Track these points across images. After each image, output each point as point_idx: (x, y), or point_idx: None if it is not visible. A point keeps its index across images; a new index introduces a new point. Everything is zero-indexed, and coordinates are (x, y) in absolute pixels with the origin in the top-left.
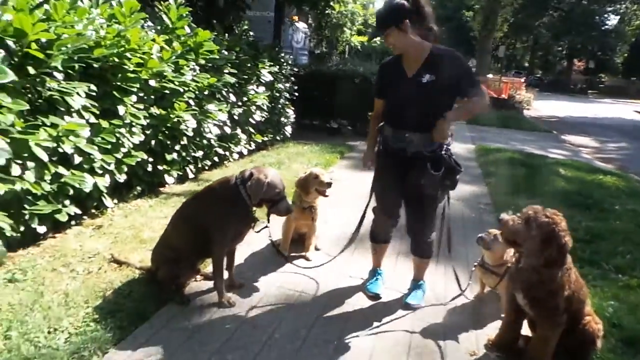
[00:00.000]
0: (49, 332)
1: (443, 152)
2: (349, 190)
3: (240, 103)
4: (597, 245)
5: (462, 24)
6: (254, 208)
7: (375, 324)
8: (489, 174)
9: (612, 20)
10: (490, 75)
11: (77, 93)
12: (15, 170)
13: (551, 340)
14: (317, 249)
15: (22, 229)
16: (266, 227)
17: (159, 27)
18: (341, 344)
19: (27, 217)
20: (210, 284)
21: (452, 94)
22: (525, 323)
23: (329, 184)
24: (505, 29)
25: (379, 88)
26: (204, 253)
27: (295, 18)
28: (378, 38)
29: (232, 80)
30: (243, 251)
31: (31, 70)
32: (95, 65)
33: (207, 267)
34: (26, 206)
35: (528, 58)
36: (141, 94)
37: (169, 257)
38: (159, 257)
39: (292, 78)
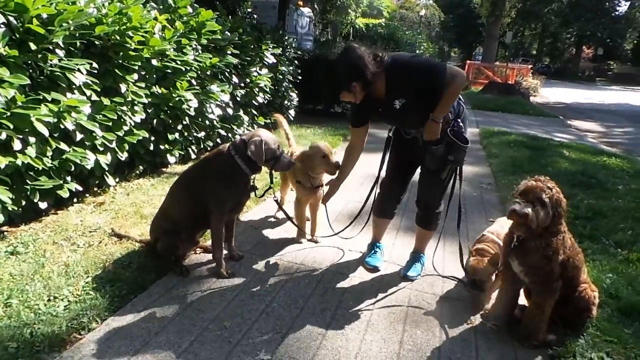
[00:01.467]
0: (48, 300)
1: (448, 129)
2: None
3: (242, 85)
4: (598, 222)
5: (470, 10)
6: (253, 175)
7: (374, 294)
8: (492, 155)
9: (623, 7)
10: (496, 62)
11: (79, 70)
12: (17, 144)
13: (546, 307)
14: (315, 241)
15: (23, 203)
16: (270, 187)
17: (161, 6)
18: (338, 313)
19: (28, 192)
20: (209, 256)
21: (431, 98)
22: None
23: (338, 165)
24: (513, 15)
25: (355, 119)
26: (203, 224)
27: (301, 3)
28: (382, 20)
29: (235, 61)
30: (243, 224)
31: (32, 46)
32: (96, 43)
33: (207, 240)
34: (28, 181)
35: (536, 45)
36: (143, 73)
37: (168, 229)
38: (157, 229)
39: (296, 61)
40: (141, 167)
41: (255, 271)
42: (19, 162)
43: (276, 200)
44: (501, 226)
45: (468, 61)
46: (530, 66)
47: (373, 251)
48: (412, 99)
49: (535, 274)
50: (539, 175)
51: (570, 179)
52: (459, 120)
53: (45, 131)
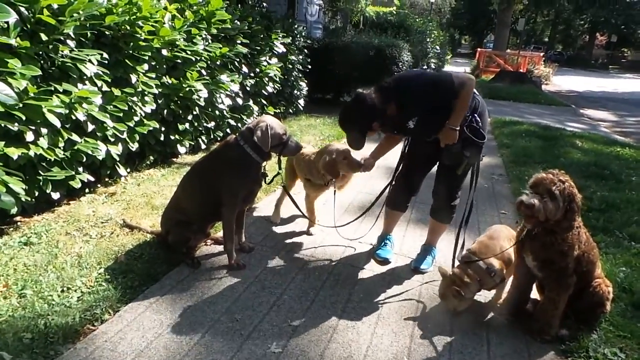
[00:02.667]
0: (62, 291)
1: (465, 124)
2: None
3: (252, 74)
4: (611, 214)
5: None
6: (264, 163)
7: (384, 287)
8: (503, 145)
9: None
10: (508, 50)
11: (90, 60)
12: (29, 136)
13: (560, 302)
14: (309, 234)
15: (36, 194)
16: (278, 174)
17: None
18: (349, 305)
19: (41, 182)
20: (220, 248)
21: (442, 111)
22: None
23: (360, 165)
24: (525, 2)
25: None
26: (214, 216)
27: None
28: (393, 9)
29: (245, 50)
30: (253, 216)
31: (43, 37)
32: (107, 33)
33: (218, 231)
34: (40, 172)
35: (548, 32)
36: (153, 63)
37: (179, 220)
38: (169, 220)
39: (306, 50)
40: (152, 158)
41: (266, 263)
42: (31, 153)
43: (284, 186)
44: (490, 237)
45: (479, 49)
46: (542, 54)
47: (383, 243)
48: (423, 116)
49: (549, 269)
50: (552, 168)
51: (583, 170)
52: (476, 115)
53: (57, 122)
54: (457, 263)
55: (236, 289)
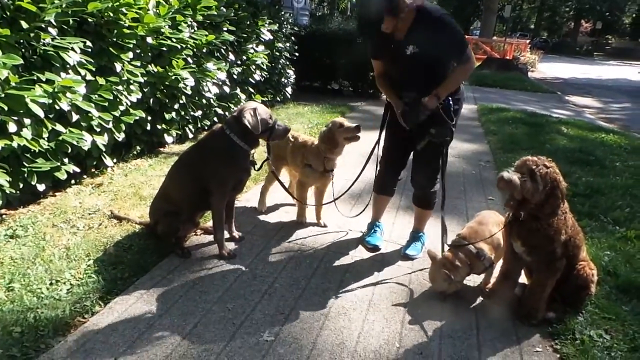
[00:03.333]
0: (50, 284)
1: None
2: (350, 148)
3: (239, 62)
4: (596, 199)
5: None
6: (252, 150)
7: (375, 273)
8: (490, 132)
9: None
10: (494, 37)
11: (72, 49)
12: (12, 127)
13: (547, 285)
14: (323, 225)
15: (21, 186)
16: (267, 159)
17: None
18: (340, 293)
19: (25, 174)
20: (210, 238)
21: (439, 63)
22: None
23: (357, 127)
24: None
25: (373, 49)
26: (204, 205)
27: None
28: None
29: (231, 38)
30: (242, 205)
31: (24, 24)
32: (90, 21)
33: (207, 221)
34: (25, 163)
35: (534, 19)
36: (138, 51)
37: (168, 210)
38: (157, 211)
39: (293, 38)
40: (138, 148)
41: (256, 252)
42: (14, 144)
43: (273, 172)
44: (479, 223)
45: (466, 36)
46: (528, 41)
47: (373, 230)
48: (424, 49)
49: (537, 254)
50: (539, 155)
51: (569, 156)
52: (451, 98)
53: (40, 112)
54: (446, 248)
55: (227, 279)
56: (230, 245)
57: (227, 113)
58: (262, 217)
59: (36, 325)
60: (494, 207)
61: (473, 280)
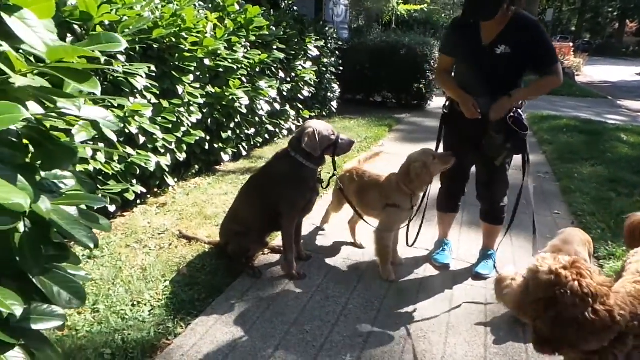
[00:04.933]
0: (132, 305)
1: (508, 116)
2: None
3: (288, 79)
4: None
5: None
6: (319, 168)
7: (448, 294)
8: (545, 141)
9: None
10: None
11: (139, 74)
12: (88, 151)
13: None
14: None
15: (95, 207)
16: (334, 175)
17: (210, 5)
18: (416, 314)
19: (100, 196)
20: (277, 257)
21: (526, 69)
22: None
23: (450, 154)
24: None
25: (448, 45)
26: (273, 226)
27: None
28: (424, 6)
29: (281, 56)
30: (307, 225)
31: (98, 54)
32: (154, 46)
33: (273, 240)
34: (98, 186)
35: (575, 21)
36: (197, 73)
37: (238, 231)
38: (228, 231)
39: (337, 52)
40: (197, 167)
41: (325, 272)
42: (90, 168)
43: (340, 189)
44: (564, 242)
45: None
46: (571, 44)
47: (442, 249)
48: (516, 52)
49: None
50: (600, 165)
51: (634, 165)
52: (520, 110)
53: (114, 137)
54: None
55: (301, 299)
56: (299, 265)
57: (277, 130)
58: (325, 236)
59: (125, 347)
60: (561, 221)
61: None
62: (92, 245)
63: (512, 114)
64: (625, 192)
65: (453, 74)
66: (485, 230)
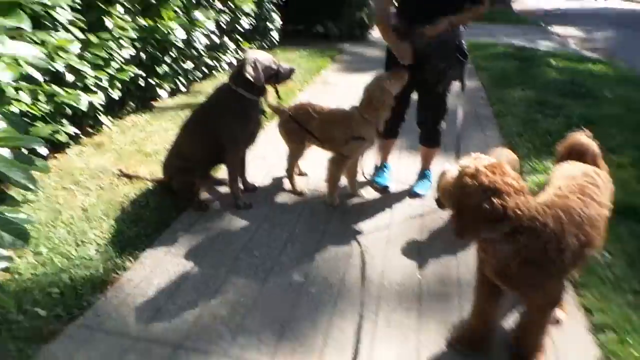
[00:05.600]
0: (77, 245)
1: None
2: (343, 93)
3: (226, 9)
4: (591, 130)
5: None
6: (261, 100)
7: (388, 212)
8: (481, 68)
9: None
10: None
11: (61, 6)
12: (10, 91)
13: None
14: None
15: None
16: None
17: None
18: (359, 233)
19: None
20: (223, 189)
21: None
22: None
23: (404, 67)
24: None
25: None
26: (217, 160)
27: None
28: None
29: None
30: (250, 157)
31: None
32: None
33: (218, 173)
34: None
35: None
36: (126, 4)
37: (182, 166)
38: (171, 167)
39: None
40: (132, 104)
41: (271, 201)
42: (14, 109)
43: (295, 120)
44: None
45: None
46: None
47: (381, 171)
48: None
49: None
50: (531, 89)
51: (561, 88)
52: (461, 39)
53: (38, 76)
54: None
55: (248, 229)
56: (245, 195)
57: (217, 63)
58: (270, 166)
59: (73, 285)
60: (492, 141)
61: None
62: (31, 187)
63: (456, 42)
64: (551, 114)
65: (396, 3)
66: (423, 153)
